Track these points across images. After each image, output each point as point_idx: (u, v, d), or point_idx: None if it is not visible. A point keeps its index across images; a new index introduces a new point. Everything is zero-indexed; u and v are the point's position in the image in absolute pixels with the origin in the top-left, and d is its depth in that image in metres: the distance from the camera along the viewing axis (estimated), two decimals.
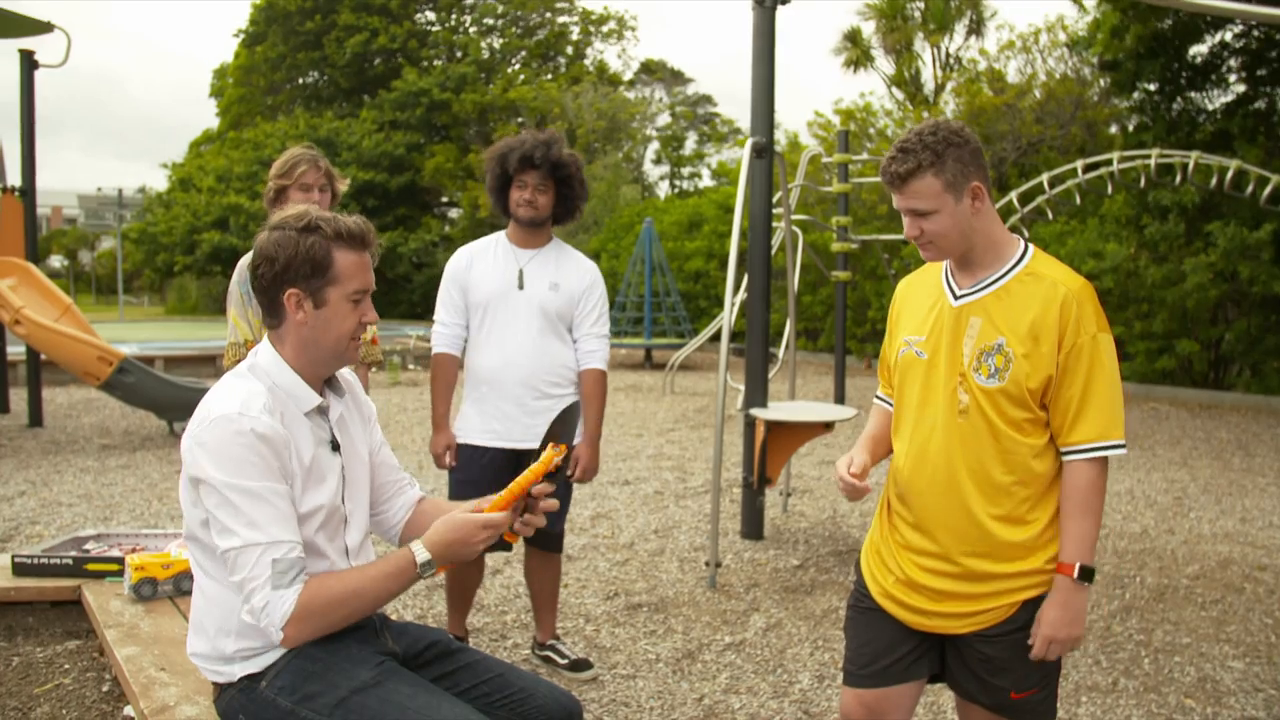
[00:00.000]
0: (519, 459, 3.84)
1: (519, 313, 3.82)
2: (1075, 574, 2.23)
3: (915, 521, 2.39)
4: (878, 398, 2.65)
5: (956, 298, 2.34)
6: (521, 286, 3.83)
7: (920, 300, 2.44)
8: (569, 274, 3.91)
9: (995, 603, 2.30)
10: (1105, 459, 2.25)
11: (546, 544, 4.01)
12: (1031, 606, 2.29)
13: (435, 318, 3.94)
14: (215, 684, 2.24)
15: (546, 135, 3.82)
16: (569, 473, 3.89)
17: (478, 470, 3.84)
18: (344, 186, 3.99)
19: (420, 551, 2.15)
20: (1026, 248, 2.33)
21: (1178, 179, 10.64)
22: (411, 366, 17.31)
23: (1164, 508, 7.35)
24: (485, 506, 2.22)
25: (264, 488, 2.06)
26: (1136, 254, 14.51)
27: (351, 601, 2.11)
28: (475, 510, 2.20)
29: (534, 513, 2.27)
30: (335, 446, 2.27)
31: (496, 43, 42.53)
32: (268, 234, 2.20)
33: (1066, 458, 2.26)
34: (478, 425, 3.87)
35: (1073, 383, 2.22)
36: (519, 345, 3.82)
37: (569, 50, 43.65)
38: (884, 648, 2.43)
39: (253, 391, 2.14)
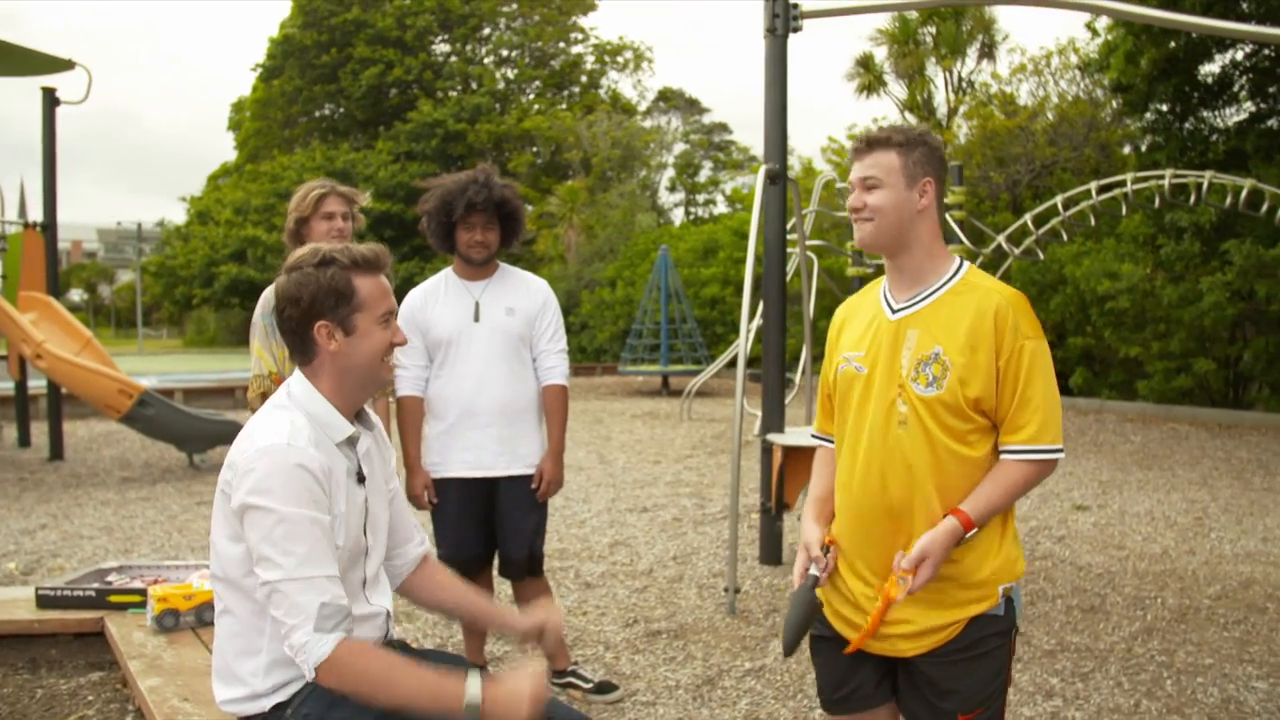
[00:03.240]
0: (494, 487, 3.90)
1: (480, 343, 3.88)
2: (965, 527, 2.22)
3: (859, 539, 2.38)
4: (815, 436, 2.63)
5: (894, 311, 2.36)
6: (478, 319, 3.89)
7: (859, 319, 2.47)
8: (522, 296, 3.98)
9: (941, 620, 2.28)
10: (1041, 461, 2.26)
11: (531, 569, 4.00)
12: (978, 624, 2.28)
13: (394, 361, 3.96)
14: (240, 716, 2.25)
15: (482, 174, 3.88)
16: (534, 487, 3.92)
17: (457, 503, 3.89)
18: (365, 200, 4.01)
19: (473, 689, 2.07)
20: (962, 263, 2.38)
21: (1192, 199, 10.62)
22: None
23: (1184, 528, 7.30)
24: None
25: (310, 520, 2.08)
26: (1153, 274, 14.48)
27: (385, 685, 2.06)
28: None
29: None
30: (360, 479, 2.29)
31: (511, 73, 42.88)
32: (285, 277, 2.24)
33: (1003, 455, 2.28)
34: (455, 458, 3.90)
35: (1012, 388, 2.24)
36: (485, 374, 3.87)
37: (583, 80, 43.96)
38: (845, 675, 2.45)
39: (296, 423, 2.17)
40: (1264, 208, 10.01)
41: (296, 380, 2.28)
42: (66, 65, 11.29)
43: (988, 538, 2.29)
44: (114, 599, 4.06)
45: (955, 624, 2.28)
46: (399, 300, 4.04)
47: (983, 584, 2.28)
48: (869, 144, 2.34)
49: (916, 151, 2.31)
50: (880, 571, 2.33)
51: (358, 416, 2.35)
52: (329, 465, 2.16)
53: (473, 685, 2.06)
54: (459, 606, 2.57)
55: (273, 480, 2.07)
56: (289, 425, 2.15)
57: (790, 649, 2.35)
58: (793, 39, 6.09)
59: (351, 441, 2.28)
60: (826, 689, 2.51)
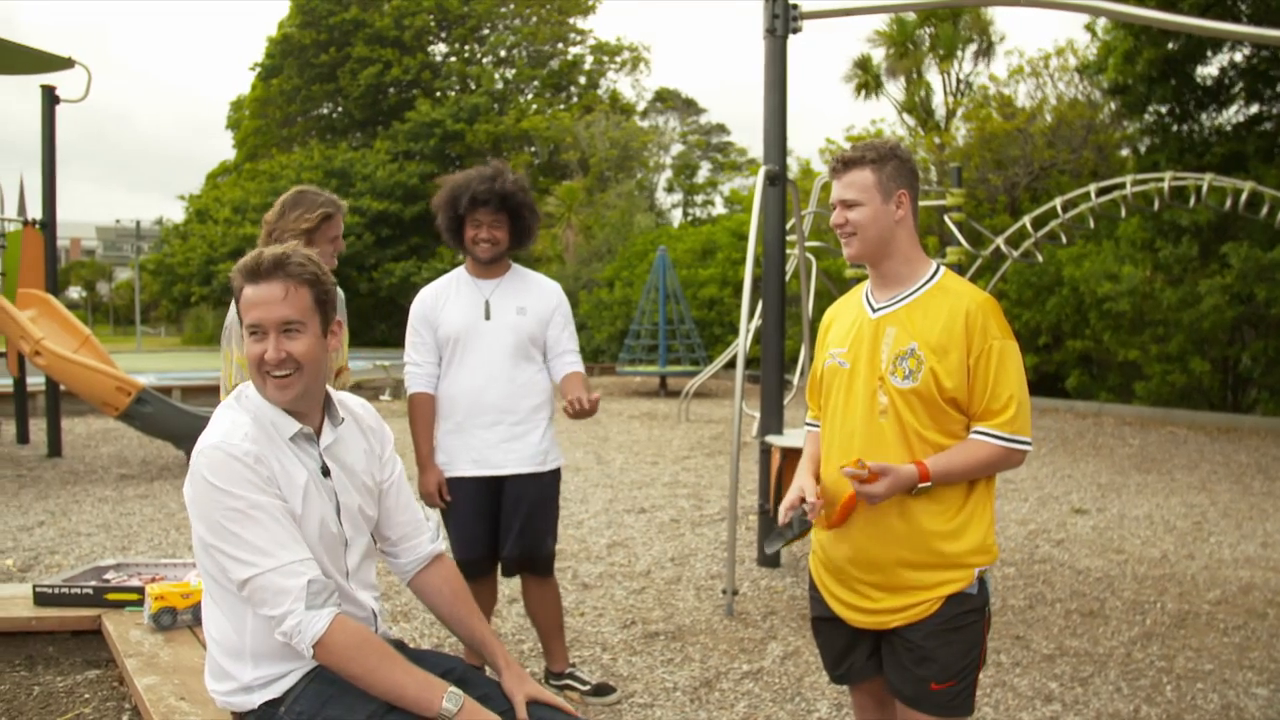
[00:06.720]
0: (499, 485, 3.88)
1: (489, 341, 3.87)
2: (921, 477, 2.40)
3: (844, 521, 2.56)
4: (807, 424, 2.86)
5: (875, 310, 2.58)
6: (488, 317, 3.88)
7: (844, 319, 2.69)
8: (533, 297, 3.97)
9: (922, 597, 2.47)
10: (1010, 449, 2.43)
11: (535, 568, 3.99)
12: (955, 601, 2.47)
13: (406, 359, 3.97)
14: (234, 713, 2.25)
15: (492, 169, 3.88)
16: (572, 413, 3.73)
17: (464, 501, 3.87)
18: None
19: (453, 699, 2.09)
20: (938, 268, 2.58)
21: (1192, 201, 10.62)
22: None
23: (1183, 532, 7.30)
24: None
25: (260, 507, 2.10)
26: (1152, 276, 14.47)
27: (377, 669, 2.09)
28: None
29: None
30: (325, 472, 2.30)
31: (509, 73, 42.87)
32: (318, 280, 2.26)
33: (976, 435, 2.45)
34: (461, 457, 3.89)
35: (984, 382, 2.43)
36: (491, 373, 3.86)
37: (581, 80, 43.97)
38: (841, 652, 2.69)
39: (236, 421, 2.20)
40: (1264, 210, 10.00)
41: (249, 383, 2.29)
42: (66, 63, 11.27)
43: (964, 521, 2.48)
44: (111, 596, 4.04)
45: (931, 601, 2.47)
46: (410, 299, 4.04)
47: (959, 564, 2.46)
48: (844, 164, 2.54)
49: (889, 166, 2.51)
50: (856, 558, 2.54)
51: (328, 410, 2.35)
52: (263, 454, 2.17)
53: (453, 698, 2.09)
54: (452, 626, 2.55)
55: (215, 480, 2.10)
56: (227, 425, 2.19)
57: (773, 549, 2.66)
58: (791, 40, 6.08)
59: (308, 437, 2.28)
60: (829, 665, 2.75)
